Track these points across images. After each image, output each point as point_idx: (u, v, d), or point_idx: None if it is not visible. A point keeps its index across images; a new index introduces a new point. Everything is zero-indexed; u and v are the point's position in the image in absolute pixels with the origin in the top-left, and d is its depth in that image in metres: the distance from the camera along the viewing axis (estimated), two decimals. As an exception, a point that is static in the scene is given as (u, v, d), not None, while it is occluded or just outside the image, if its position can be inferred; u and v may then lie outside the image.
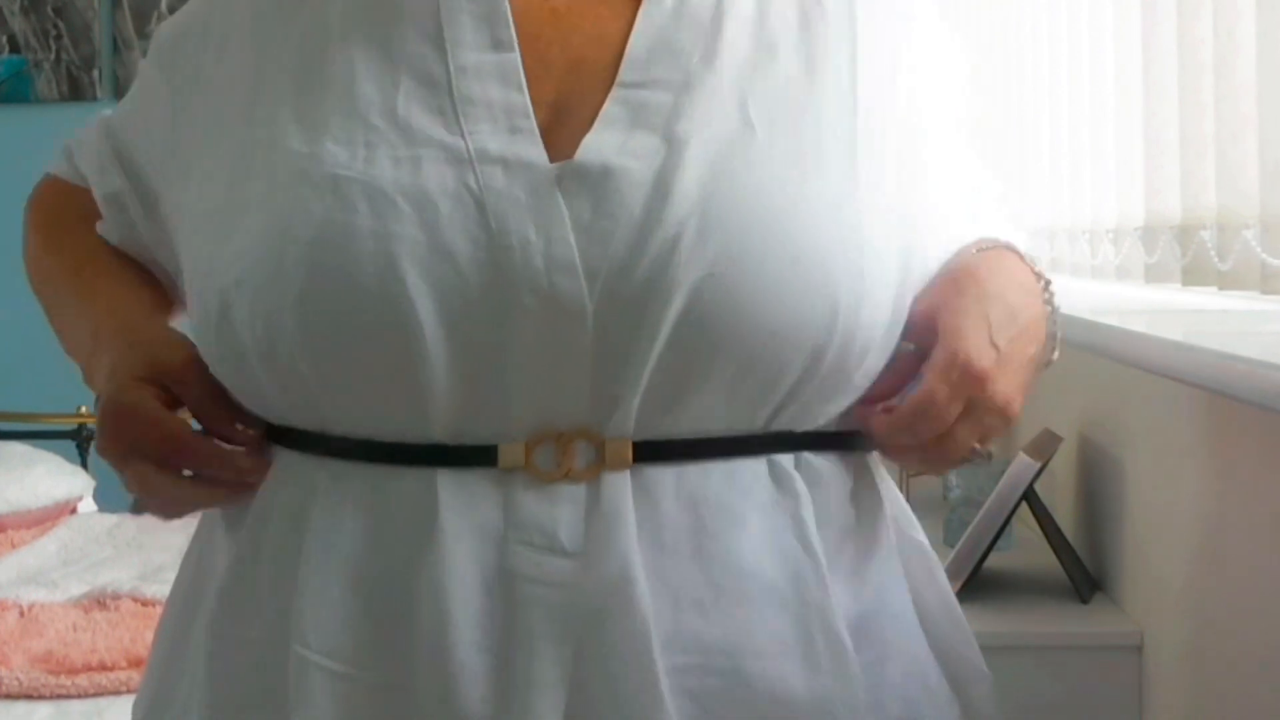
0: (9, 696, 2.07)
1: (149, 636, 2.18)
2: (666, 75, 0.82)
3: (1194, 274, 1.27)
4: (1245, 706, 1.20)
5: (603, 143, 0.79)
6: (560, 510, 0.77)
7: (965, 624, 0.93)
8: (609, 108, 0.81)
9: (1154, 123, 1.36)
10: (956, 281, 0.84)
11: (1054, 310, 0.88)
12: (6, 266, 3.54)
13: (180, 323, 0.92)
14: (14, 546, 2.85)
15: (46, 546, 2.86)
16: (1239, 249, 1.15)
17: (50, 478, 3.10)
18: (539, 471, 0.77)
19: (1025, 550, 1.71)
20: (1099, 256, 1.58)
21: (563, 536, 0.77)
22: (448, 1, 0.83)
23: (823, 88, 0.84)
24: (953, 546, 1.60)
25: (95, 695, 2.09)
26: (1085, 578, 1.55)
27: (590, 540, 0.77)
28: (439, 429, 0.78)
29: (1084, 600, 1.53)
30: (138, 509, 0.85)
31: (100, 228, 0.96)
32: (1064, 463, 1.70)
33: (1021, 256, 0.88)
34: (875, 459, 0.89)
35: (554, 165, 0.78)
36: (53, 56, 3.71)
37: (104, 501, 3.27)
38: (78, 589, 2.51)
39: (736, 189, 0.79)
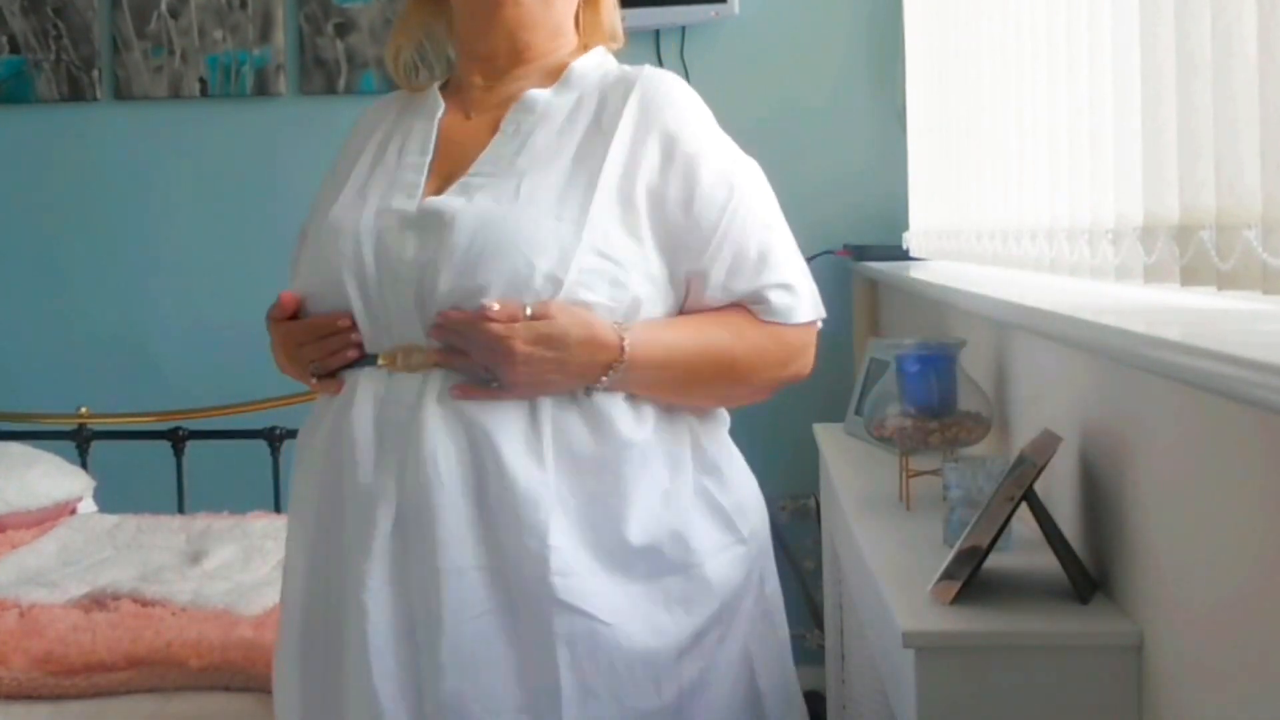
0: (9, 697, 2.07)
1: (148, 636, 2.19)
2: (490, 171, 1.57)
3: (1193, 274, 1.27)
4: (1245, 707, 1.20)
5: (439, 201, 1.56)
6: (413, 384, 1.53)
7: None
8: (454, 185, 1.58)
9: (1153, 122, 1.36)
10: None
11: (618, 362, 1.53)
12: (7, 266, 3.54)
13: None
14: (14, 546, 2.85)
15: (46, 547, 2.86)
16: (1239, 249, 1.15)
17: (50, 478, 3.10)
18: (395, 366, 1.54)
19: (1025, 550, 1.71)
20: (1098, 257, 1.58)
21: (413, 398, 1.52)
22: (416, 133, 1.66)
23: (576, 178, 1.55)
24: (952, 546, 1.60)
25: (94, 696, 2.09)
26: (1085, 578, 1.55)
27: (421, 398, 1.52)
28: (377, 349, 1.56)
29: (1084, 600, 1.53)
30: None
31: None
32: (1064, 463, 1.70)
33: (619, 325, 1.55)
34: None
35: (412, 211, 1.57)
36: (53, 56, 3.71)
37: (104, 501, 3.27)
38: (77, 589, 2.51)
39: (494, 226, 1.51)
